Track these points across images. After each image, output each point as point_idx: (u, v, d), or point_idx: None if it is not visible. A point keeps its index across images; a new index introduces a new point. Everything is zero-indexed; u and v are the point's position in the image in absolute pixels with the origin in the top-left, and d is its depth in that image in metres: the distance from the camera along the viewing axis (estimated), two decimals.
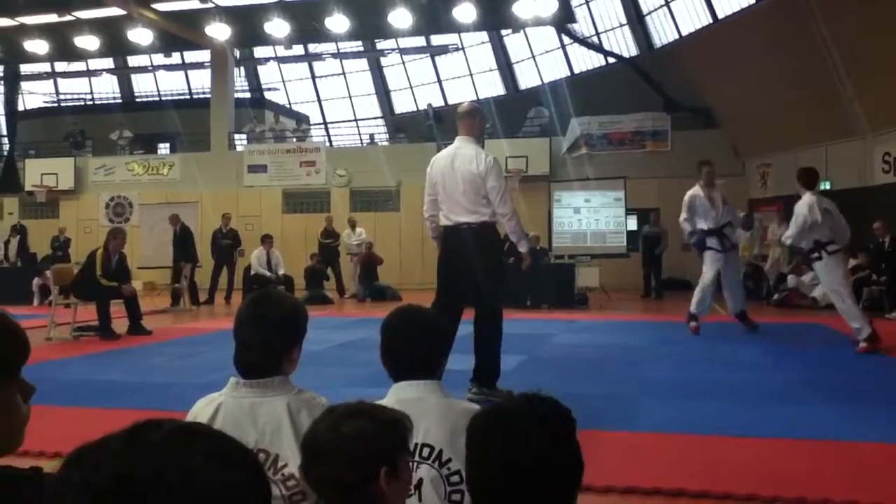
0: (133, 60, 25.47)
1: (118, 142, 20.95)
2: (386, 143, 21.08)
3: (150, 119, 22.55)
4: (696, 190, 8.68)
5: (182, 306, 13.10)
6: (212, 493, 0.72)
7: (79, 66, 25.72)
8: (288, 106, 24.67)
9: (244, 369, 1.99)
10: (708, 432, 4.27)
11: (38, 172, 20.08)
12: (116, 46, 20.39)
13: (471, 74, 23.69)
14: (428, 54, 23.97)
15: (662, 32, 18.92)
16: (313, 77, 25.73)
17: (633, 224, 15.87)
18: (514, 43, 22.74)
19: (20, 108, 26.20)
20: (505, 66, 23.19)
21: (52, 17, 18.96)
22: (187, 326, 10.59)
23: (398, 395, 2.05)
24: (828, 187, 14.47)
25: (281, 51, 23.38)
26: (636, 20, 19.56)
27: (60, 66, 25.84)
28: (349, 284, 15.67)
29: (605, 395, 5.40)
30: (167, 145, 21.70)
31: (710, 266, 8.60)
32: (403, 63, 24.50)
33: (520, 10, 16.91)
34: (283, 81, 25.92)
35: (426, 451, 1.97)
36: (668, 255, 14.79)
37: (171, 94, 25.84)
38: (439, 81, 24.18)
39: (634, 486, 3.32)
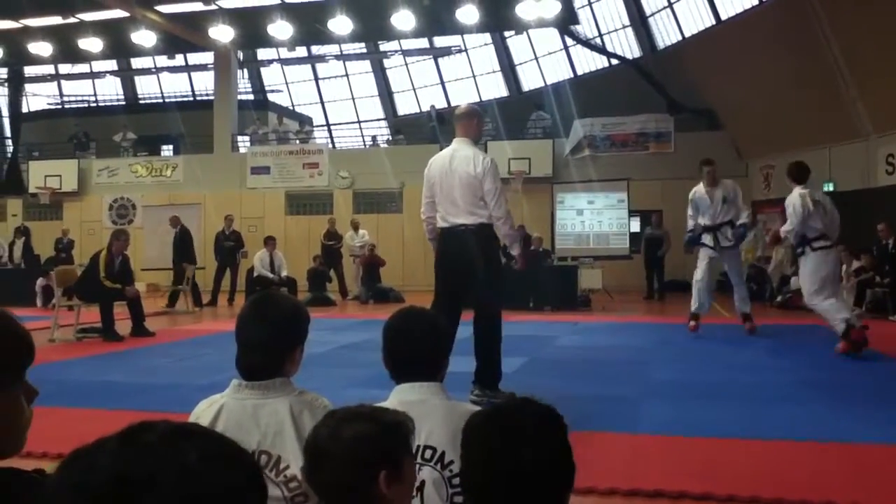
0: (136, 62, 25.50)
1: (121, 144, 21.01)
2: (388, 145, 21.09)
3: (153, 121, 22.58)
4: (698, 186, 8.79)
5: (187, 308, 13.11)
6: (208, 494, 0.72)
7: (82, 68, 25.75)
8: (291, 108, 24.69)
9: (246, 371, 1.99)
10: (711, 434, 4.27)
11: (41, 174, 20.13)
12: (120, 48, 20.42)
13: (474, 76, 23.70)
14: (431, 56, 23.98)
15: (665, 34, 18.92)
16: (316, 79, 25.76)
17: (636, 226, 15.87)
18: (516, 45, 22.75)
19: (24, 110, 26.26)
20: (508, 68, 23.18)
21: (55, 20, 19.00)
22: (190, 328, 10.60)
23: (400, 397, 2.05)
24: (831, 189, 14.45)
25: (284, 53, 23.39)
26: (639, 21, 19.56)
27: (64, 69, 25.88)
28: (352, 286, 15.68)
29: (608, 396, 5.40)
30: (170, 147, 21.73)
31: (700, 262, 8.76)
32: (406, 65, 24.51)
33: (523, 11, 16.91)
34: (287, 83, 25.95)
35: (428, 453, 1.97)
36: (670, 256, 14.78)
37: (175, 96, 25.87)
38: (442, 83, 24.19)
39: (637, 488, 3.32)
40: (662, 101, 17.81)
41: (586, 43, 20.59)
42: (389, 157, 18.66)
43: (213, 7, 18.08)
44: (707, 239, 8.63)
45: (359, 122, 25.22)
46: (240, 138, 20.38)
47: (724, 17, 16.22)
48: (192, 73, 25.82)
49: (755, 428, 4.38)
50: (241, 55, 22.06)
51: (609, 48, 20.44)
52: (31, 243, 16.67)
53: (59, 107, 26.75)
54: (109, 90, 27.13)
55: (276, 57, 24.51)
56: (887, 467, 3.71)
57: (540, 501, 1.33)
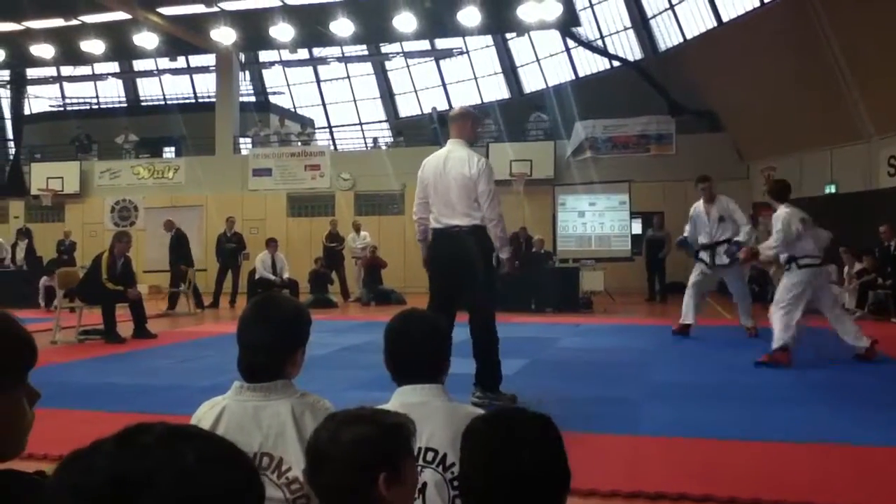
0: (138, 64, 25.54)
1: (123, 145, 21.03)
2: (390, 147, 21.10)
3: (155, 123, 22.61)
4: (698, 202, 8.82)
5: (189, 310, 13.11)
6: (206, 495, 0.72)
7: (84, 70, 25.82)
8: (293, 110, 24.72)
9: (247, 373, 1.99)
10: (712, 436, 4.27)
11: (43, 176, 20.16)
12: (122, 50, 20.46)
13: (475, 78, 23.72)
14: (432, 58, 24.00)
15: (667, 35, 18.92)
16: (318, 81, 25.78)
17: (637, 228, 15.87)
18: (518, 46, 22.76)
19: (26, 111, 26.31)
20: (509, 70, 23.20)
21: (58, 22, 19.04)
22: (192, 330, 10.61)
23: (402, 399, 2.06)
24: (833, 191, 14.46)
25: (286, 55, 23.42)
26: (640, 23, 19.57)
27: (66, 71, 25.95)
28: (353, 288, 15.68)
29: (609, 398, 5.40)
30: (172, 149, 21.75)
31: (693, 272, 8.89)
32: (408, 67, 24.53)
33: (524, 13, 16.92)
34: (288, 85, 25.98)
35: (430, 455, 1.97)
36: (671, 258, 14.76)
37: (177, 98, 25.91)
38: (444, 85, 24.21)
39: (639, 490, 3.32)
40: (664, 103, 17.81)
41: (588, 45, 20.61)
42: (391, 158, 18.67)
43: (214, 9, 18.11)
44: (704, 255, 8.69)
45: (360, 123, 25.25)
46: (241, 140, 20.41)
47: (725, 18, 16.21)
48: (194, 75, 25.86)
49: (756, 429, 4.38)
50: (242, 57, 22.09)
51: (610, 50, 20.45)
52: (34, 245, 16.69)
53: (62, 109, 26.79)
54: (111, 92, 27.21)
55: (278, 59, 24.54)
56: (889, 469, 3.71)
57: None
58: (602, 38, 20.61)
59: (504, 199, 17.11)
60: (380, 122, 25.10)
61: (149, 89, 27.00)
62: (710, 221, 8.58)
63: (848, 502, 3.15)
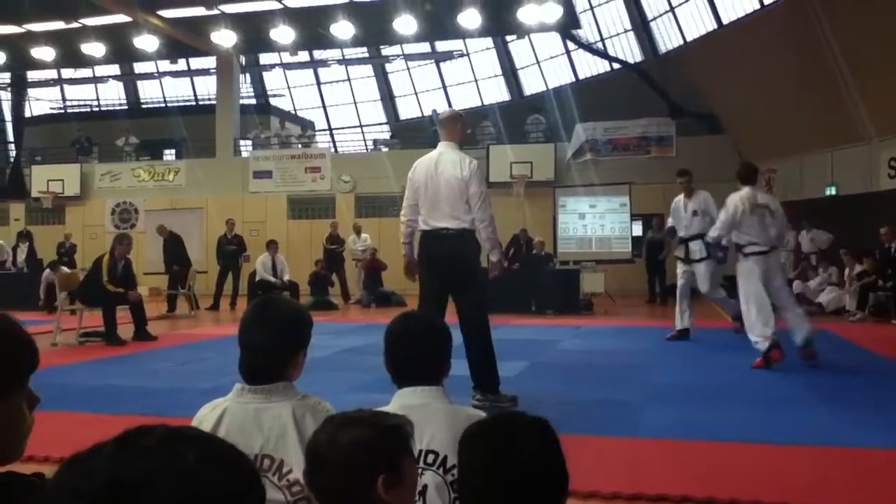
0: (139, 67, 25.54)
1: (124, 148, 21.04)
2: (390, 149, 21.11)
3: (155, 125, 22.62)
4: (679, 196, 8.84)
5: (188, 312, 13.12)
6: (206, 497, 0.72)
7: (85, 72, 25.84)
8: (293, 112, 24.73)
9: (249, 375, 1.99)
10: (713, 437, 4.26)
11: (44, 178, 20.17)
12: (122, 53, 20.48)
13: (475, 80, 23.73)
14: (433, 60, 24.01)
15: (667, 38, 18.93)
16: (318, 83, 25.80)
17: (638, 229, 15.86)
18: (518, 49, 22.77)
19: (27, 114, 26.34)
20: (510, 72, 23.21)
21: (58, 24, 19.06)
22: (192, 332, 10.61)
23: (402, 401, 2.05)
24: (834, 192, 14.46)
25: (286, 57, 23.44)
26: (641, 26, 19.58)
27: (67, 73, 25.95)
28: (354, 290, 15.68)
29: (610, 400, 5.40)
30: (173, 151, 21.77)
31: (678, 277, 8.85)
32: (408, 69, 24.54)
33: (524, 16, 16.93)
34: (289, 87, 25.99)
35: (431, 458, 1.97)
36: (671, 260, 14.77)
37: (177, 101, 25.92)
38: (444, 87, 24.22)
39: (640, 492, 3.31)
40: (664, 105, 17.81)
41: (588, 47, 20.62)
42: (391, 160, 18.67)
43: (215, 11, 18.12)
44: (680, 251, 8.69)
45: (361, 126, 25.26)
46: (242, 142, 20.42)
47: (725, 20, 16.23)
48: (195, 78, 25.87)
49: (757, 431, 4.38)
50: (243, 59, 22.11)
51: (611, 52, 20.46)
52: (35, 247, 16.69)
53: (62, 111, 26.81)
54: (112, 94, 27.22)
55: (279, 61, 24.57)
56: (889, 471, 3.71)
57: None
58: (602, 40, 20.62)
59: (504, 201, 17.07)
60: (380, 124, 25.12)
61: (149, 92, 27.04)
62: (687, 214, 8.59)
63: None
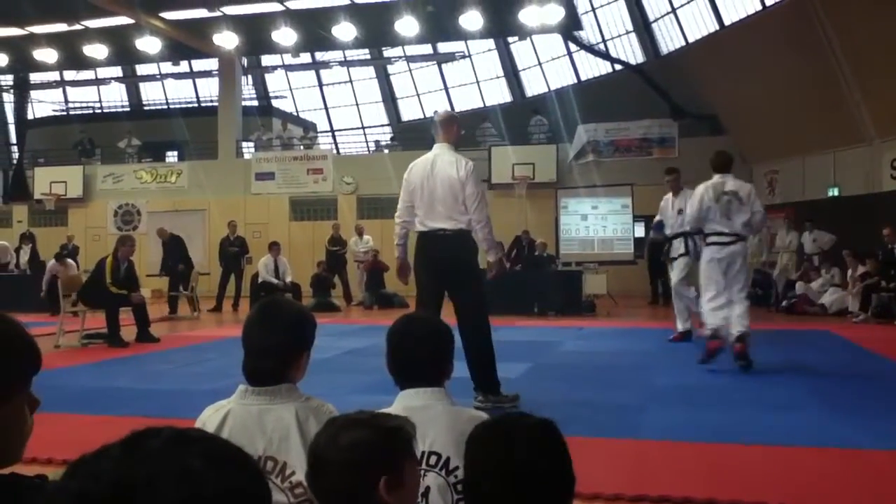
0: (141, 69, 25.60)
1: (126, 150, 21.07)
2: (392, 151, 21.12)
3: (158, 127, 22.66)
4: (668, 195, 8.92)
5: (190, 314, 13.12)
6: (211, 498, 0.72)
7: (87, 74, 25.88)
8: (295, 114, 24.75)
9: (252, 376, 2.00)
10: (715, 439, 4.26)
11: (46, 180, 20.20)
12: (125, 55, 20.51)
13: (477, 82, 23.74)
14: (434, 62, 24.02)
15: (669, 39, 18.93)
16: (320, 85, 25.82)
17: (640, 231, 15.84)
18: (520, 50, 22.77)
19: (29, 116, 26.38)
20: (511, 74, 23.21)
21: (60, 27, 19.10)
22: (194, 334, 10.62)
23: (405, 403, 2.05)
24: (836, 194, 14.45)
25: (288, 59, 23.47)
26: (642, 27, 19.59)
27: (69, 75, 26.00)
28: (356, 292, 15.68)
29: (613, 402, 5.39)
30: (175, 153, 21.81)
31: (671, 277, 8.86)
32: (410, 71, 24.55)
33: (526, 17, 16.93)
34: (291, 89, 26.01)
35: (433, 459, 1.97)
36: None
37: (179, 103, 25.96)
38: (446, 89, 24.23)
39: (642, 493, 3.31)
40: (666, 107, 17.80)
41: (590, 48, 20.62)
42: (393, 162, 18.68)
43: (217, 13, 18.14)
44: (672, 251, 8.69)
45: (363, 127, 25.27)
46: (244, 144, 20.44)
47: (727, 21, 16.22)
48: (197, 80, 25.91)
49: (759, 433, 4.37)
50: (245, 61, 22.13)
51: (612, 54, 20.47)
52: (37, 249, 16.71)
53: (65, 113, 26.86)
54: (114, 96, 27.27)
55: (281, 63, 24.59)
56: (891, 473, 3.70)
57: None
58: (604, 41, 20.63)
59: (506, 202, 17.04)
60: (382, 125, 25.13)
61: (152, 93, 27.09)
62: (673, 213, 8.58)
63: None
